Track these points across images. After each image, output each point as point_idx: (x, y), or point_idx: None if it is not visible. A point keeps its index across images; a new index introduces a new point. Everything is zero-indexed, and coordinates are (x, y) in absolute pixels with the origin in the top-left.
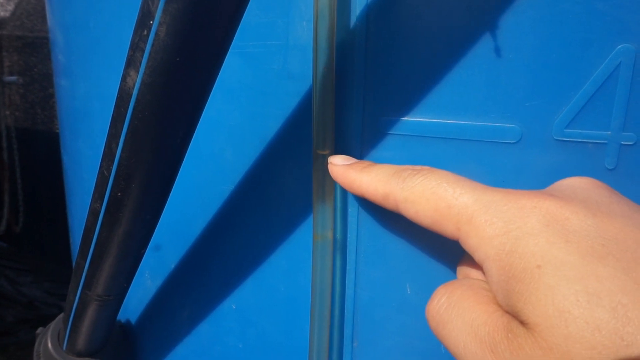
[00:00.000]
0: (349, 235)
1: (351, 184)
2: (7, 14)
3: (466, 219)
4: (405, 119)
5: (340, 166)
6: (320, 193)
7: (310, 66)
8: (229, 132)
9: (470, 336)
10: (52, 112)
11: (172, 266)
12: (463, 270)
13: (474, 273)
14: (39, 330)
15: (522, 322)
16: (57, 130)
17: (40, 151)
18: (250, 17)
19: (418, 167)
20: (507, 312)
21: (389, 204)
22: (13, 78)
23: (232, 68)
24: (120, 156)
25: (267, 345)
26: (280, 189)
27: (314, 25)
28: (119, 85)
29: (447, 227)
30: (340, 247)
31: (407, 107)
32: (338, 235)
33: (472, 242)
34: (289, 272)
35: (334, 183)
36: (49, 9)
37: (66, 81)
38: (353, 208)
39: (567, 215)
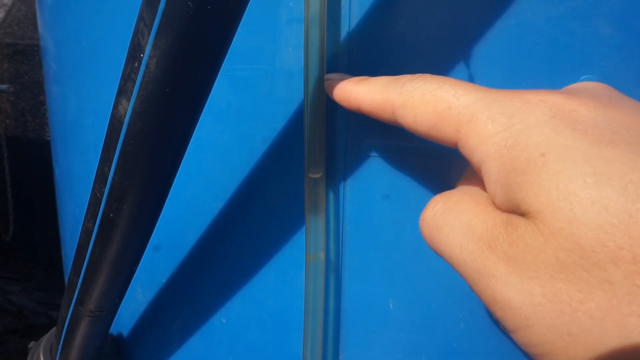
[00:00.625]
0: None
1: (348, 96)
2: None
3: (467, 119)
4: (387, 142)
5: (337, 81)
6: (313, 215)
7: (295, 90)
8: (218, 152)
9: (466, 236)
10: (43, 120)
11: (164, 281)
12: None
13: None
14: (31, 344)
15: (523, 214)
16: (48, 138)
17: (31, 159)
18: (238, 42)
19: (418, 74)
20: (506, 211)
21: (386, 113)
22: (5, 86)
23: (221, 90)
24: (113, 179)
25: (256, 358)
26: (268, 208)
27: (305, 51)
28: (110, 112)
29: (446, 130)
30: (333, 267)
31: (388, 130)
32: (331, 256)
33: (471, 143)
34: (277, 288)
35: (325, 205)
36: (40, 17)
37: (58, 89)
38: (338, 226)
39: (574, 106)
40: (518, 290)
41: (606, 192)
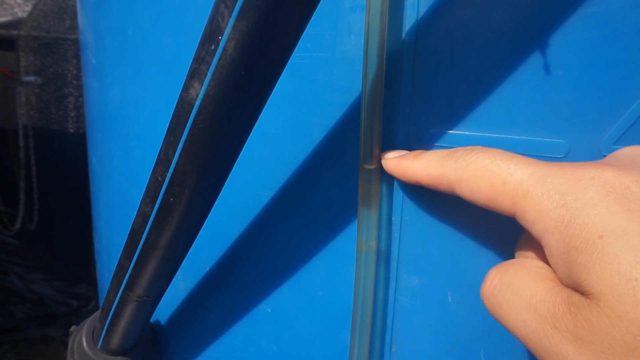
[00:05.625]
0: (391, 242)
1: (405, 172)
2: (25, 15)
3: (522, 194)
4: (452, 131)
5: (394, 158)
6: (366, 204)
7: (355, 79)
8: (270, 140)
9: (529, 313)
10: (66, 112)
11: (207, 269)
12: (520, 253)
13: (530, 255)
14: (73, 328)
15: (585, 294)
16: (72, 130)
17: (54, 150)
18: None
19: (470, 147)
20: (567, 285)
21: (443, 186)
22: (32, 78)
23: None
24: (177, 163)
25: (302, 349)
26: (320, 197)
27: (365, 39)
28: (179, 96)
29: (503, 203)
30: (384, 257)
31: (454, 119)
32: (382, 246)
33: (529, 217)
34: (327, 278)
35: (379, 195)
36: (81, 12)
37: (97, 82)
38: (396, 216)
39: (627, 184)
40: None
41: None
